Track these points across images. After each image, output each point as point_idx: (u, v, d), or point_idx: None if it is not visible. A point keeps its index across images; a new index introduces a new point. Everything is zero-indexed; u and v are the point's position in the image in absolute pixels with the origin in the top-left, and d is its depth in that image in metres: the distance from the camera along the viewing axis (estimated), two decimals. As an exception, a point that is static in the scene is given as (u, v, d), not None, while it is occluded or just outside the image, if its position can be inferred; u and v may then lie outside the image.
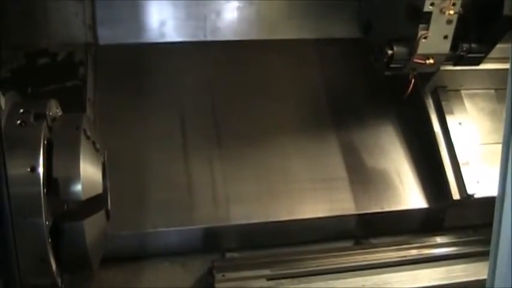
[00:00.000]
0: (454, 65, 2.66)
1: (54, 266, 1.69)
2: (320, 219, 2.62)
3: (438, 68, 2.67)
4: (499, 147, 2.80)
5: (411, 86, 2.58)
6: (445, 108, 2.78)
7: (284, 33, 3.05)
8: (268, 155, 2.74)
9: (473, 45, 2.58)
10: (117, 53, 2.87)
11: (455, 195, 2.68)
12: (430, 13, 2.40)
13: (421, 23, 2.43)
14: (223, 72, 2.95)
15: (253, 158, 2.72)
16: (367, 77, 2.92)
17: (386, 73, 2.59)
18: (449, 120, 2.78)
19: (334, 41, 3.07)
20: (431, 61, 2.50)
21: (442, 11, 2.39)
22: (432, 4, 2.38)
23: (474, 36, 2.57)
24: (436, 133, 2.78)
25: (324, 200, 2.66)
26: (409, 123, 2.90)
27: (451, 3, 2.38)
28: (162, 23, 2.96)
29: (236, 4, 3.02)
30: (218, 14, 3.01)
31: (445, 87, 2.83)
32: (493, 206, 2.89)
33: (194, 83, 2.90)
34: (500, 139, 2.81)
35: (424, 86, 2.82)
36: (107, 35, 2.88)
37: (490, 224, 2.98)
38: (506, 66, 2.79)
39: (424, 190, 2.76)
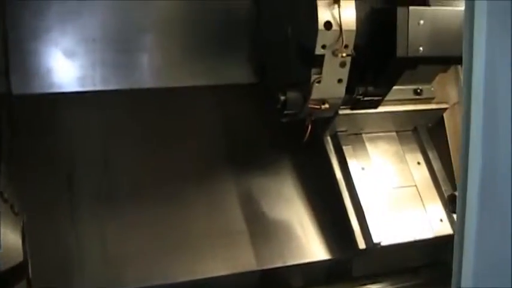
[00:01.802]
0: (352, 108, 2.58)
1: None
2: (221, 278, 2.45)
3: (337, 112, 2.57)
4: (404, 190, 2.79)
5: (308, 132, 2.48)
6: (346, 153, 2.68)
7: (178, 81, 2.89)
8: (165, 209, 2.56)
9: (369, 88, 2.50)
10: (28, 103, 2.66)
11: (361, 244, 2.57)
12: (322, 56, 2.29)
13: (313, 67, 2.32)
14: (117, 123, 2.77)
15: (150, 213, 2.53)
16: (266, 122, 2.80)
17: (283, 120, 2.49)
18: (351, 165, 2.68)
19: (230, 87, 2.94)
20: (327, 106, 2.40)
21: (334, 54, 2.29)
22: (324, 47, 2.27)
23: (370, 79, 2.48)
24: (338, 179, 2.67)
25: (224, 257, 2.50)
26: (311, 169, 2.78)
27: (343, 46, 2.27)
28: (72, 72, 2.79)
29: (128, 52, 2.86)
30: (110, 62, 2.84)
31: (345, 131, 2.73)
32: (401, 253, 2.81)
33: (85, 134, 2.70)
34: (404, 182, 2.80)
35: (324, 131, 2.71)
36: (19, 85, 2.67)
37: (406, 270, 2.87)
38: (406, 108, 2.77)
39: (329, 240, 2.63)
